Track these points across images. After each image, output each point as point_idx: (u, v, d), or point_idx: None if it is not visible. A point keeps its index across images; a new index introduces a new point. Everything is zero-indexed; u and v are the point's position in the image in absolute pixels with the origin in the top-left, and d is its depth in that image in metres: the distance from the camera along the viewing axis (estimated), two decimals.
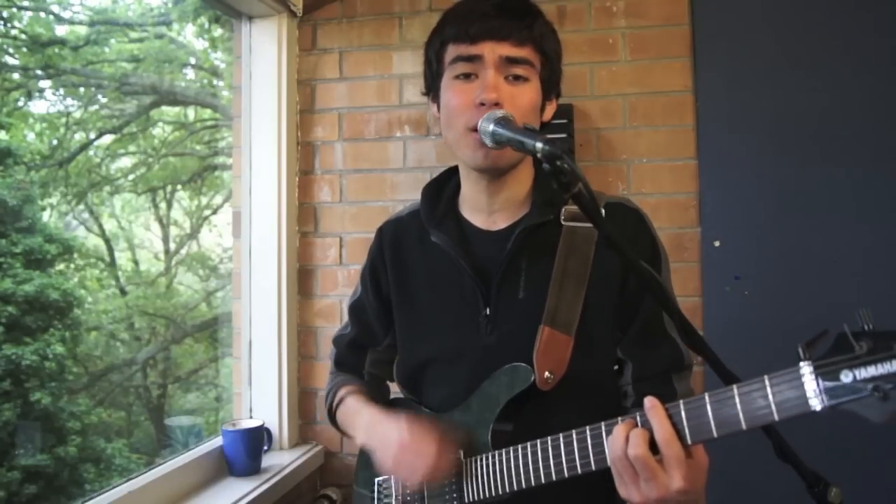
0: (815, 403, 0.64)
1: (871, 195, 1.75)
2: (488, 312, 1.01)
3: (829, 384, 0.64)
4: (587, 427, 0.82)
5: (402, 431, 0.95)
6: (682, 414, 0.74)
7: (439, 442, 0.94)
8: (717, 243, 1.84)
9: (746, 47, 1.85)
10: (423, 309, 1.08)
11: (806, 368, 0.65)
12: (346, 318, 1.25)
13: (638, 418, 0.77)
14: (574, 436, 0.83)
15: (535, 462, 0.86)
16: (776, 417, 0.67)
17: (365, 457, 1.14)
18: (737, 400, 0.69)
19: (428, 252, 1.08)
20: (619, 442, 0.76)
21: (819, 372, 0.64)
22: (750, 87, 1.83)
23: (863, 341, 0.63)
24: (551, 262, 0.98)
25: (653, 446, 0.74)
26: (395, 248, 1.14)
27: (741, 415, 0.69)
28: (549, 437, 0.85)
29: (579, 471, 0.82)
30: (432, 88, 1.05)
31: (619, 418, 0.79)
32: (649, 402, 0.76)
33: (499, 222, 1.05)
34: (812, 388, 0.64)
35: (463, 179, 1.09)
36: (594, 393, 0.99)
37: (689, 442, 0.73)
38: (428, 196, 1.12)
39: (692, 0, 1.88)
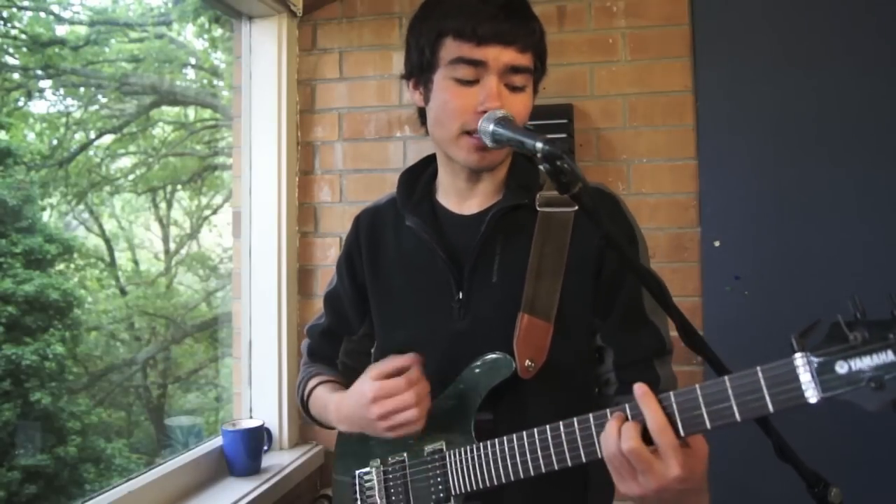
0: (811, 395, 0.64)
1: (872, 195, 1.75)
2: (461, 297, 1.01)
3: (824, 375, 0.63)
4: (574, 419, 0.81)
5: (366, 388, 0.93)
6: (674, 406, 0.73)
7: (407, 373, 0.92)
8: (717, 243, 1.84)
9: (746, 47, 1.84)
10: (397, 294, 1.08)
11: (800, 360, 0.65)
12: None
13: (628, 410, 0.76)
14: (562, 429, 0.82)
15: (524, 454, 0.86)
16: (771, 409, 0.66)
17: (342, 446, 1.14)
18: (730, 392, 0.69)
19: (403, 237, 1.09)
20: (612, 437, 0.75)
21: (814, 363, 0.64)
22: (750, 87, 1.83)
23: (857, 331, 0.62)
24: (526, 248, 0.98)
25: (645, 437, 0.73)
26: (370, 235, 1.14)
27: (735, 407, 0.68)
28: (535, 430, 0.85)
29: (569, 463, 0.82)
30: (418, 76, 1.02)
31: (608, 410, 0.78)
32: (640, 388, 0.75)
33: (473, 207, 1.05)
34: (807, 380, 0.64)
35: (442, 167, 1.09)
36: (572, 380, 0.99)
37: (683, 434, 0.72)
38: (404, 182, 1.12)
39: (692, 0, 1.88)
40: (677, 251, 1.86)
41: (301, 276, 2.11)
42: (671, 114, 1.89)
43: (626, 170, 1.91)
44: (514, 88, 0.96)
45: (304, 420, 1.21)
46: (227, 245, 7.70)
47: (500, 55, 0.94)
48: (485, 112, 0.92)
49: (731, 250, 1.83)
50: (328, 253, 2.12)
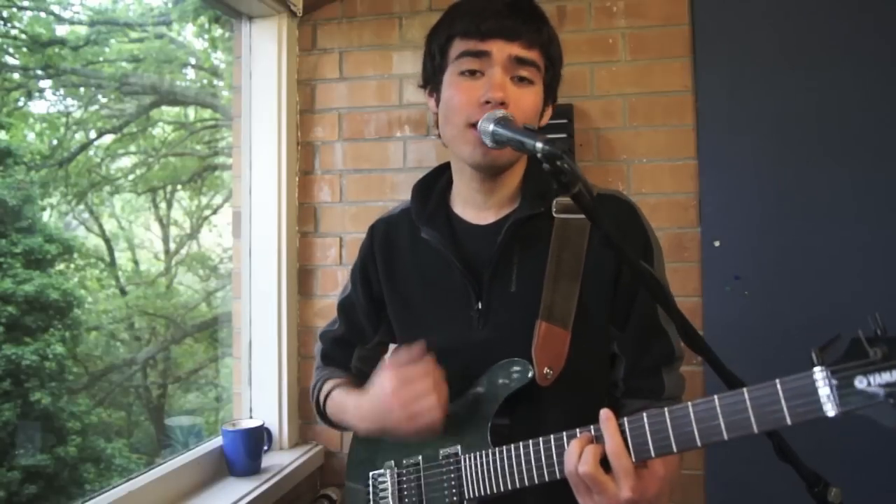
0: (829, 409, 0.64)
1: (871, 195, 1.75)
2: (480, 307, 1.01)
3: (843, 390, 0.64)
4: (591, 427, 0.82)
5: (384, 382, 0.93)
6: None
7: (421, 366, 0.92)
8: (717, 243, 1.84)
9: (746, 47, 1.84)
10: (416, 306, 1.08)
11: (819, 374, 0.65)
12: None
13: (592, 432, 0.80)
14: (578, 434, 0.83)
15: (539, 460, 0.86)
16: (789, 422, 0.67)
17: (355, 451, 1.14)
18: (748, 403, 0.69)
19: (418, 249, 1.08)
20: (573, 458, 0.79)
21: (833, 377, 0.64)
22: (750, 87, 1.83)
23: (877, 347, 0.63)
24: (544, 255, 0.98)
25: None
26: (386, 246, 1.14)
27: (753, 418, 0.69)
28: (551, 436, 0.85)
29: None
30: (432, 82, 1.04)
31: (577, 430, 0.82)
32: (604, 414, 0.79)
33: (489, 216, 1.05)
34: (826, 394, 0.64)
35: (456, 175, 1.08)
36: (589, 387, 1.00)
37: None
38: (418, 193, 1.11)
39: (692, 0, 1.88)
40: (677, 251, 1.86)
41: (301, 276, 2.11)
42: (671, 114, 1.89)
43: (626, 170, 1.91)
44: (521, 80, 0.96)
45: (319, 422, 1.21)
46: (227, 245, 7.70)
47: (505, 48, 0.94)
48: (488, 102, 0.93)
49: (731, 250, 1.83)
50: (328, 253, 2.12)
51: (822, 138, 1.79)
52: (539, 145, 0.78)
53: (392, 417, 0.93)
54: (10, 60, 6.89)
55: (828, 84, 1.78)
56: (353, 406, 1.04)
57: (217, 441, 1.81)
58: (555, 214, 1.00)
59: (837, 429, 1.62)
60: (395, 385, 0.92)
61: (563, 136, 1.86)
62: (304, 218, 2.13)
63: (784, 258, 1.79)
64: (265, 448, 1.89)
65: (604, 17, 1.93)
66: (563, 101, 1.91)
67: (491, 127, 0.88)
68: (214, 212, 8.12)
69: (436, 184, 1.12)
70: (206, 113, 7.85)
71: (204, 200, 8.19)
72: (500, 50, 0.94)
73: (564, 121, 1.87)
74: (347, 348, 1.21)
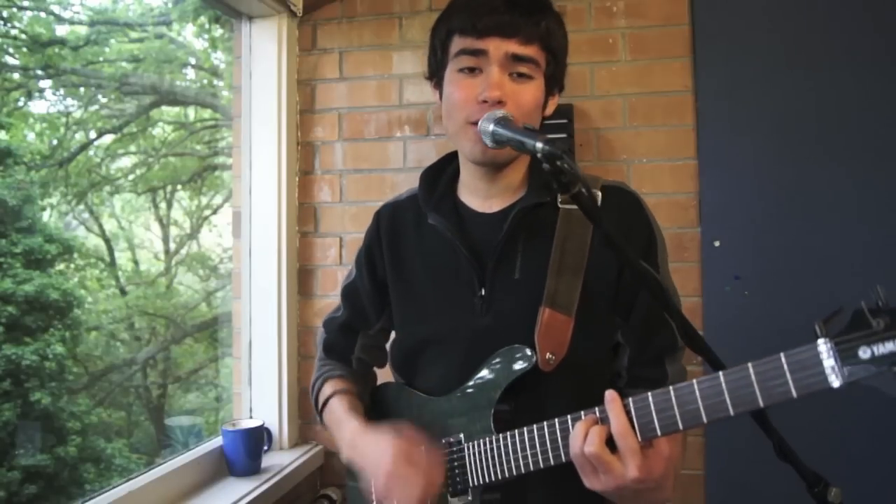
0: (834, 380, 0.64)
1: (872, 195, 1.75)
2: (483, 293, 1.01)
3: (848, 360, 0.64)
4: (595, 409, 0.82)
5: (387, 458, 0.94)
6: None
7: (426, 464, 0.93)
8: (717, 243, 1.84)
9: (746, 47, 1.84)
10: (419, 291, 1.09)
11: (823, 346, 0.65)
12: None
13: (598, 413, 0.81)
14: (583, 417, 0.83)
15: (543, 444, 0.86)
16: (794, 394, 0.67)
17: None
18: (753, 378, 0.69)
19: (424, 234, 1.09)
20: (578, 440, 0.79)
21: (837, 349, 0.64)
22: (750, 87, 1.83)
23: (879, 318, 0.63)
24: (548, 244, 0.99)
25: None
26: (392, 230, 1.14)
27: (758, 392, 0.69)
28: (556, 420, 0.86)
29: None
30: (436, 76, 1.06)
31: (582, 412, 0.82)
32: (609, 394, 0.79)
33: (495, 205, 1.06)
34: (830, 365, 0.65)
35: (462, 165, 1.10)
36: (591, 374, 1.00)
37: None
38: (426, 180, 1.13)
39: (692, 0, 1.88)
40: (677, 251, 1.86)
41: (301, 276, 2.11)
42: (671, 114, 1.88)
43: (626, 170, 1.91)
44: (520, 76, 0.96)
45: (319, 422, 1.21)
46: (227, 245, 7.71)
47: (501, 45, 0.95)
48: (485, 101, 0.93)
49: (731, 250, 1.83)
50: (328, 253, 2.12)
51: (822, 138, 1.79)
52: (539, 145, 0.79)
53: (374, 478, 0.96)
54: (10, 60, 6.90)
55: (828, 84, 1.78)
56: (349, 434, 1.05)
57: (217, 441, 1.81)
58: (560, 205, 1.01)
59: (837, 428, 1.62)
60: (394, 458, 0.93)
61: (563, 136, 1.86)
62: (304, 218, 2.13)
63: (784, 258, 1.79)
64: (265, 448, 1.89)
65: (604, 17, 1.93)
66: (563, 101, 1.91)
67: (491, 127, 0.88)
68: (214, 212, 8.13)
69: (444, 172, 1.13)
70: (206, 113, 7.86)
71: (204, 200, 8.19)
72: (497, 48, 0.95)
73: (564, 121, 1.87)
74: (351, 336, 1.21)
